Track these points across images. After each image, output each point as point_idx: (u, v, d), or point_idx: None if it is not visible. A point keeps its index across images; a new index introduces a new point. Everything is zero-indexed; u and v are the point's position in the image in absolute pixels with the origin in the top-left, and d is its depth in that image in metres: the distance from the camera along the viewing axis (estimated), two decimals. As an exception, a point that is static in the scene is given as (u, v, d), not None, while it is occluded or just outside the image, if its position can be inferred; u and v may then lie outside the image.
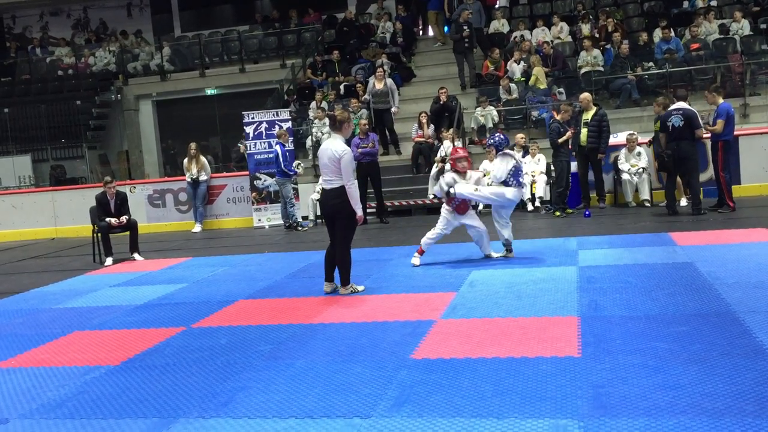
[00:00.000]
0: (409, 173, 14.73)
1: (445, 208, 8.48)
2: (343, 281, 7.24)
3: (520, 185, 8.37)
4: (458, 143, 13.95)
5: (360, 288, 7.30)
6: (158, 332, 6.27)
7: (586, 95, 12.40)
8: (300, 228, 13.28)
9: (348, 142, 7.34)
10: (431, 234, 8.43)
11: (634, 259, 7.76)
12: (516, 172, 8.29)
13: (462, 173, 8.46)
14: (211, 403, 4.42)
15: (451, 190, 8.16)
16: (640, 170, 12.53)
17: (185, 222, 15.11)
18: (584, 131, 12.09)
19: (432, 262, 8.48)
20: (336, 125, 7.11)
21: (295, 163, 13.66)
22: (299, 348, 5.44)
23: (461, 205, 8.33)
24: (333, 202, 7.01)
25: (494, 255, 8.54)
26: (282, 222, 13.71)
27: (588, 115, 12.12)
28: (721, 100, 11.17)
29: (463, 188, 8.22)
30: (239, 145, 13.93)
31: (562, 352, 4.82)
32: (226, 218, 15.09)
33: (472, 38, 16.42)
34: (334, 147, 6.95)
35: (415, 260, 8.45)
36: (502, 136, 8.75)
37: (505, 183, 8.29)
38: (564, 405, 3.93)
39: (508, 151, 8.49)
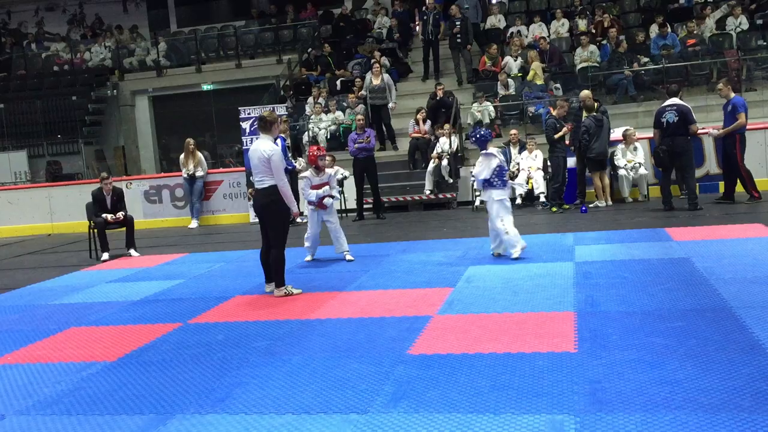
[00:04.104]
0: (405, 169, 14.71)
1: (308, 208, 8.86)
2: (277, 283, 7.17)
3: (504, 185, 8.07)
4: (455, 139, 13.96)
5: (296, 291, 7.17)
6: (155, 328, 6.27)
7: (586, 93, 12.41)
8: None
9: (275, 141, 7.34)
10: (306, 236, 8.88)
11: (631, 255, 7.77)
12: (500, 171, 8.01)
13: (321, 170, 8.80)
14: (208, 399, 4.42)
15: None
16: (637, 165, 12.57)
17: (182, 218, 15.08)
18: None
19: (429, 259, 8.49)
20: (266, 126, 7.18)
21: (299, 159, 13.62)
22: (296, 344, 5.44)
23: (320, 203, 8.64)
24: (263, 201, 7.08)
25: (348, 257, 8.72)
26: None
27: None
28: (733, 94, 11.29)
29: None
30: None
31: (559, 347, 4.83)
32: (222, 214, 15.07)
33: (465, 34, 16.39)
34: (262, 147, 7.03)
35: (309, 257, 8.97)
36: (482, 131, 8.21)
37: (489, 183, 8.02)
38: (560, 400, 3.94)
39: (491, 149, 8.13)
